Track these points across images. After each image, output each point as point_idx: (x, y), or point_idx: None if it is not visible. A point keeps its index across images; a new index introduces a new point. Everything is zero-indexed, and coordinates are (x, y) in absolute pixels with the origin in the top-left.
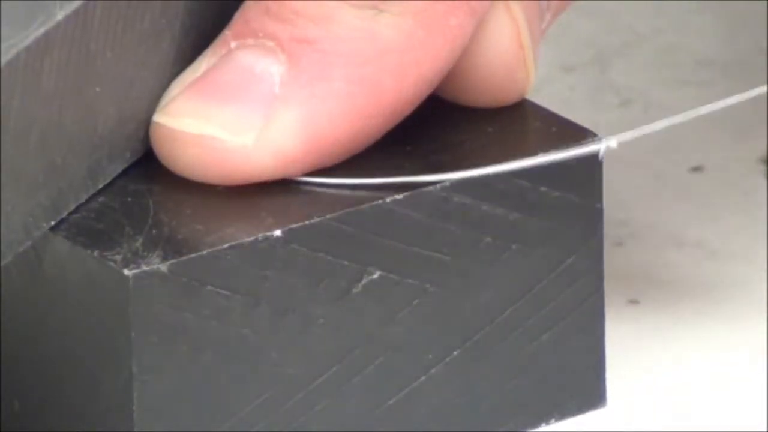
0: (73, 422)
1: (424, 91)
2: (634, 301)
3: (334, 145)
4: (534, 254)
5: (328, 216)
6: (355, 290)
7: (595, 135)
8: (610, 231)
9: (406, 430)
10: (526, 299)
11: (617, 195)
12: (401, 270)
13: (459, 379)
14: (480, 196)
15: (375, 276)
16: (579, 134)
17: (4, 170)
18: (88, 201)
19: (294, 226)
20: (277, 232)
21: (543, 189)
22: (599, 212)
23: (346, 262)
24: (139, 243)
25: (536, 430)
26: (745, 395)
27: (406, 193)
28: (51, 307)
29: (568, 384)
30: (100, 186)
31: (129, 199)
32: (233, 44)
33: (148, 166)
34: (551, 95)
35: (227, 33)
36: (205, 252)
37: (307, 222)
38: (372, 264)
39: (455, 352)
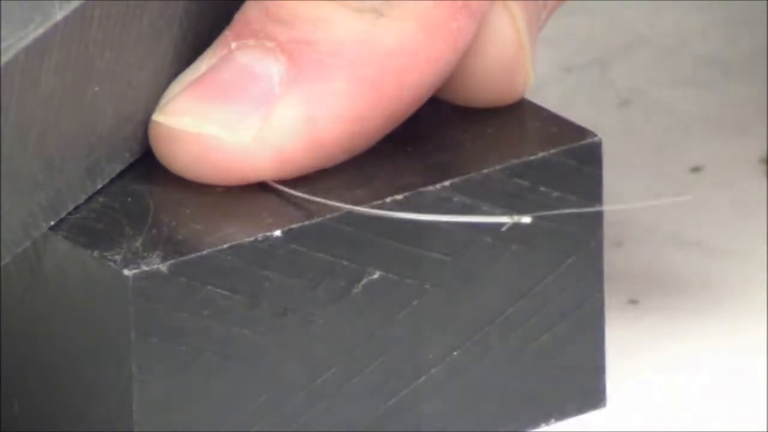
0: (73, 422)
1: (424, 94)
2: (634, 301)
3: (333, 145)
4: (534, 254)
5: (328, 216)
6: (355, 290)
7: (595, 135)
8: (610, 231)
9: (406, 430)
10: (526, 299)
11: (617, 195)
12: (401, 270)
13: (459, 380)
14: (480, 196)
15: (375, 276)
16: (579, 134)
17: (2, 170)
18: (88, 201)
19: (294, 226)
20: (277, 232)
21: (543, 189)
22: (599, 212)
23: (346, 262)
24: (139, 243)
25: (536, 430)
26: (745, 395)
27: (406, 194)
28: (51, 307)
29: (568, 384)
30: (99, 186)
31: (129, 199)
32: (233, 45)
33: (148, 166)
34: (551, 95)
35: (227, 33)
36: (205, 252)
37: (307, 222)
38: (372, 264)
39: (455, 352)
